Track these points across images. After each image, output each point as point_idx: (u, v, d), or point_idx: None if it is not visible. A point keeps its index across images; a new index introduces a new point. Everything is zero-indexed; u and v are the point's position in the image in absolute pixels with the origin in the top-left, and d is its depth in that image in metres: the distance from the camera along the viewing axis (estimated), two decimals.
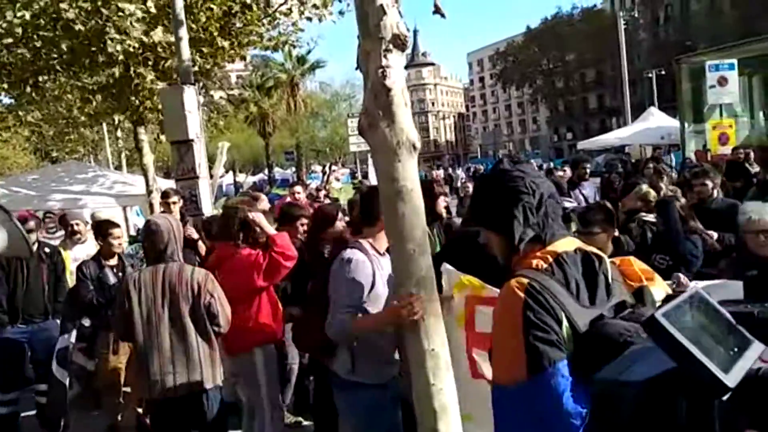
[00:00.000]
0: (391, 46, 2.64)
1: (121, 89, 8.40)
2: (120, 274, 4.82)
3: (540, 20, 74.26)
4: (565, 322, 1.69)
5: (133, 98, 8.46)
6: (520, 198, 1.86)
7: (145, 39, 7.30)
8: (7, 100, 12.03)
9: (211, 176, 7.37)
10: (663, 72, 43.50)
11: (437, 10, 3.13)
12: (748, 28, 40.69)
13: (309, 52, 38.57)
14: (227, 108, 26.33)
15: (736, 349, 1.35)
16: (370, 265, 3.20)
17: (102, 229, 5.03)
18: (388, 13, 2.61)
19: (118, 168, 20.56)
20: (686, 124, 16.81)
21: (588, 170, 8.52)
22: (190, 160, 7.03)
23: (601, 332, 1.67)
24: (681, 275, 3.57)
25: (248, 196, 7.75)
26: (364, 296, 3.12)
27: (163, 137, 9.73)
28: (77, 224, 6.08)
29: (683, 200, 5.17)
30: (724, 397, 1.20)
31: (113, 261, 4.96)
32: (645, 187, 4.94)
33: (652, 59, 53.45)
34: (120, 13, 7.11)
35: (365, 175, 24.41)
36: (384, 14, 2.60)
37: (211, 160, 10.86)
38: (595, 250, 1.91)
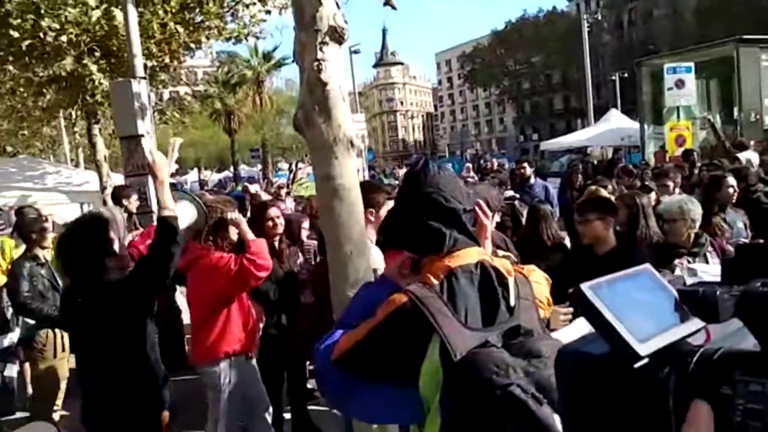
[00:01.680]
0: (327, 39, 2.56)
1: (74, 82, 8.10)
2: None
3: (504, 22, 74.97)
4: (435, 349, 1.56)
5: (84, 92, 8.20)
6: (421, 208, 1.73)
7: (82, 20, 7.02)
8: None
9: None
10: (626, 75, 44.31)
11: (387, 2, 3.06)
12: (708, 34, 41.79)
13: (275, 48, 38.29)
14: (192, 104, 25.87)
15: (668, 325, 1.31)
16: None
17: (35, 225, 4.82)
18: (324, 4, 2.52)
19: (77, 164, 20.03)
20: (646, 126, 17.11)
21: (527, 170, 8.60)
22: (140, 156, 6.81)
23: (468, 364, 1.51)
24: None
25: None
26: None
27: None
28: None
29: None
30: (637, 364, 1.16)
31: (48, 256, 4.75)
32: (594, 187, 5.04)
33: (616, 62, 54.42)
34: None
35: None
36: (320, 5, 2.52)
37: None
38: (501, 266, 1.74)
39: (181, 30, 8.14)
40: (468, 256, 1.71)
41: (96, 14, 7.07)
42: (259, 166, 40.65)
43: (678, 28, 53.54)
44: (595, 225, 3.61)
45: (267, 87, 38.90)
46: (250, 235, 3.72)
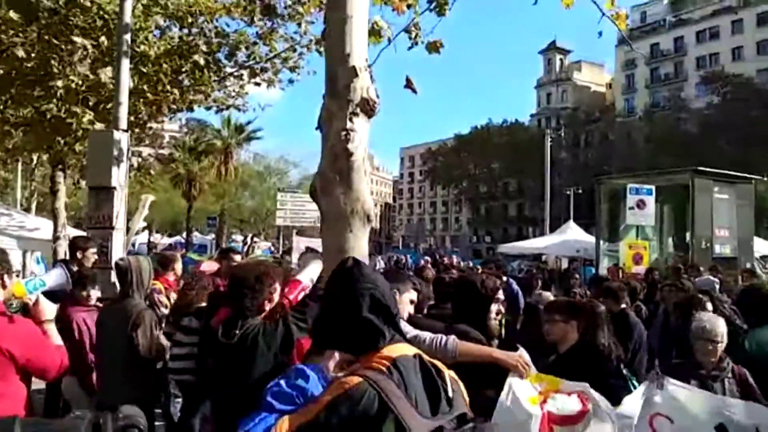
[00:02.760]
0: (358, 110, 2.52)
1: (51, 127, 7.85)
2: None
3: (470, 128, 78.15)
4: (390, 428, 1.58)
5: (59, 138, 7.93)
6: (359, 305, 1.72)
7: (90, 76, 6.91)
8: None
9: (128, 230, 6.87)
10: (580, 191, 46.26)
11: (408, 85, 3.07)
12: (657, 161, 44.43)
13: (249, 122, 38.61)
14: (154, 165, 25.56)
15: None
16: None
17: None
18: (360, 76, 2.50)
19: (27, 210, 19.22)
20: (602, 242, 17.62)
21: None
22: (107, 209, 6.53)
23: None
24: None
25: (161, 256, 7.32)
26: None
27: (83, 183, 9.14)
28: None
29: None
30: None
31: None
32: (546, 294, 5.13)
33: (571, 178, 56.83)
34: (69, 46, 6.75)
35: (288, 251, 23.98)
36: (355, 76, 2.50)
37: (130, 214, 10.28)
38: (435, 361, 1.78)
39: (176, 91, 8.08)
40: (405, 348, 1.75)
41: (107, 72, 6.97)
42: (212, 236, 39.94)
43: (630, 152, 56.76)
44: (559, 326, 3.78)
45: (234, 158, 38.87)
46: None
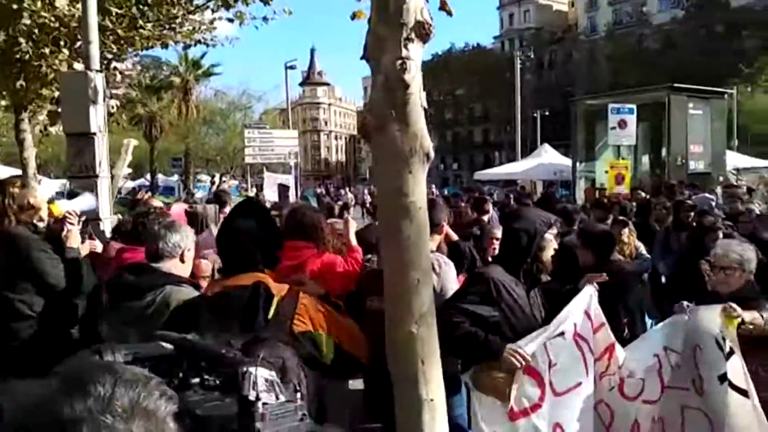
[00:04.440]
0: (413, 35, 2.24)
1: (17, 70, 7.21)
2: None
3: (431, 54, 76.73)
4: None
5: (22, 83, 7.32)
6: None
7: (66, 11, 6.31)
8: None
9: (113, 176, 6.49)
10: (547, 113, 46.24)
11: (443, 7, 2.77)
12: (619, 79, 44.48)
13: (204, 55, 36.91)
14: (111, 107, 24.39)
15: None
16: None
17: None
18: None
19: None
20: (578, 163, 17.70)
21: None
22: (89, 156, 6.13)
23: None
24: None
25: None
26: None
27: (52, 129, 8.57)
28: None
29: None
30: None
31: None
32: None
33: (536, 100, 56.69)
34: None
35: (260, 188, 23.56)
36: None
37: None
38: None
39: (149, 26, 7.47)
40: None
41: (62, 2, 6.34)
42: (177, 177, 38.91)
43: (594, 72, 56.70)
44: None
45: (194, 96, 37.45)
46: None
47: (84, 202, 3.89)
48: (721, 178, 15.26)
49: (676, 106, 15.34)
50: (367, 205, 24.10)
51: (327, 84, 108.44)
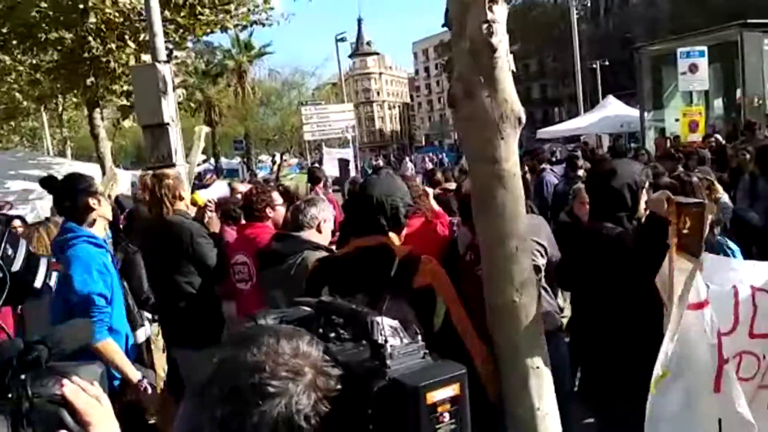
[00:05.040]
0: None
1: (77, 67, 7.49)
2: None
3: None
4: None
5: (92, 80, 7.59)
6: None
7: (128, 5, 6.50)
8: None
9: (188, 163, 6.71)
10: (607, 63, 44.34)
11: None
12: (683, 22, 42.06)
13: (251, 34, 37.12)
14: (179, 95, 25.01)
15: None
16: None
17: None
18: None
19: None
20: (646, 113, 16.98)
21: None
22: (165, 146, 6.34)
23: None
24: None
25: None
26: None
27: (125, 123, 8.89)
28: None
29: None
30: None
31: None
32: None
33: (594, 50, 54.44)
34: None
35: (320, 163, 23.82)
36: None
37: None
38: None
39: (207, 12, 7.58)
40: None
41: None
42: (238, 159, 39.76)
43: (654, 15, 53.90)
44: None
45: (249, 77, 37.97)
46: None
47: (218, 190, 4.24)
48: None
49: (749, 43, 14.41)
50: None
51: (377, 53, 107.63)
